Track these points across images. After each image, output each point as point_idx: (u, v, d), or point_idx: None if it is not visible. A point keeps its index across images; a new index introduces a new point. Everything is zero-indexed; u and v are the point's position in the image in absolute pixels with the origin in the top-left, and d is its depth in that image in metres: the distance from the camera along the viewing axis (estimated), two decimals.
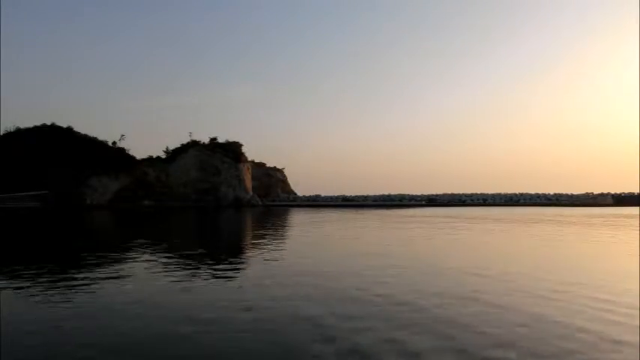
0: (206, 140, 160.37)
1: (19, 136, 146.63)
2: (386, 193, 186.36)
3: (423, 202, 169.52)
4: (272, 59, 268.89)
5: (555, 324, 7.79)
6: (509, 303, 9.35)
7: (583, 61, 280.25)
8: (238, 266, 15.24)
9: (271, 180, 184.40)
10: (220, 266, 14.81)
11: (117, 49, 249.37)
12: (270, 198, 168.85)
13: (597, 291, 10.63)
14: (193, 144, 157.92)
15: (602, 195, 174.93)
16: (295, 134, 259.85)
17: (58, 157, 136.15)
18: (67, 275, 12.90)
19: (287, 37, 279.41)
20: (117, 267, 14.44)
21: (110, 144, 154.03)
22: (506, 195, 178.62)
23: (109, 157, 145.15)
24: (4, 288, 10.96)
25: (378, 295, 10.02)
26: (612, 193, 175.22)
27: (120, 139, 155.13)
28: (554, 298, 9.78)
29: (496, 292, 10.45)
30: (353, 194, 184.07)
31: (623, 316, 8.31)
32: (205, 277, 12.62)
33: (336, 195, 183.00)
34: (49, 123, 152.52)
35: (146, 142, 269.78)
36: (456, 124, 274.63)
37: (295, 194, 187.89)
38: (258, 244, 22.96)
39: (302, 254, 18.64)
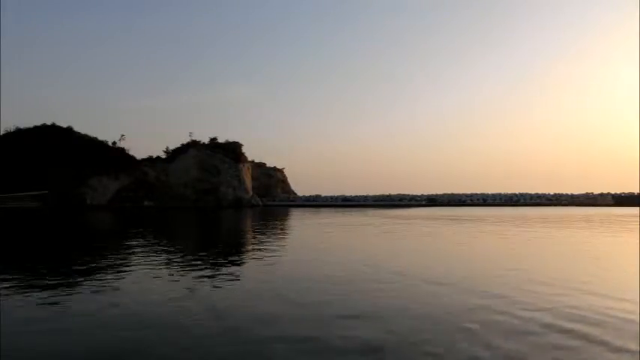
0: (206, 140, 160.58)
1: (19, 136, 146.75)
2: (386, 193, 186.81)
3: (423, 202, 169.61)
4: (272, 59, 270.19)
5: None
6: None
7: (583, 60, 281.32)
8: (240, 272, 15.19)
9: (271, 180, 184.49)
10: (222, 271, 14.77)
11: (117, 49, 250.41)
12: (270, 198, 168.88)
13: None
14: (193, 144, 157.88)
15: (602, 195, 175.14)
16: (295, 134, 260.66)
17: (58, 157, 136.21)
18: (61, 284, 12.85)
19: (287, 37, 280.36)
20: (114, 272, 14.40)
21: (110, 144, 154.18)
22: (506, 195, 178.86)
23: (109, 157, 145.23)
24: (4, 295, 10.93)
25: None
26: (612, 193, 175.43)
27: (120, 139, 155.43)
28: None
29: None
30: (353, 194, 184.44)
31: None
32: (209, 284, 12.57)
33: (336, 195, 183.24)
34: (49, 123, 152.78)
35: (146, 142, 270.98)
36: (456, 124, 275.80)
37: (295, 194, 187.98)
38: (259, 248, 22.95)
39: (304, 258, 18.61)
